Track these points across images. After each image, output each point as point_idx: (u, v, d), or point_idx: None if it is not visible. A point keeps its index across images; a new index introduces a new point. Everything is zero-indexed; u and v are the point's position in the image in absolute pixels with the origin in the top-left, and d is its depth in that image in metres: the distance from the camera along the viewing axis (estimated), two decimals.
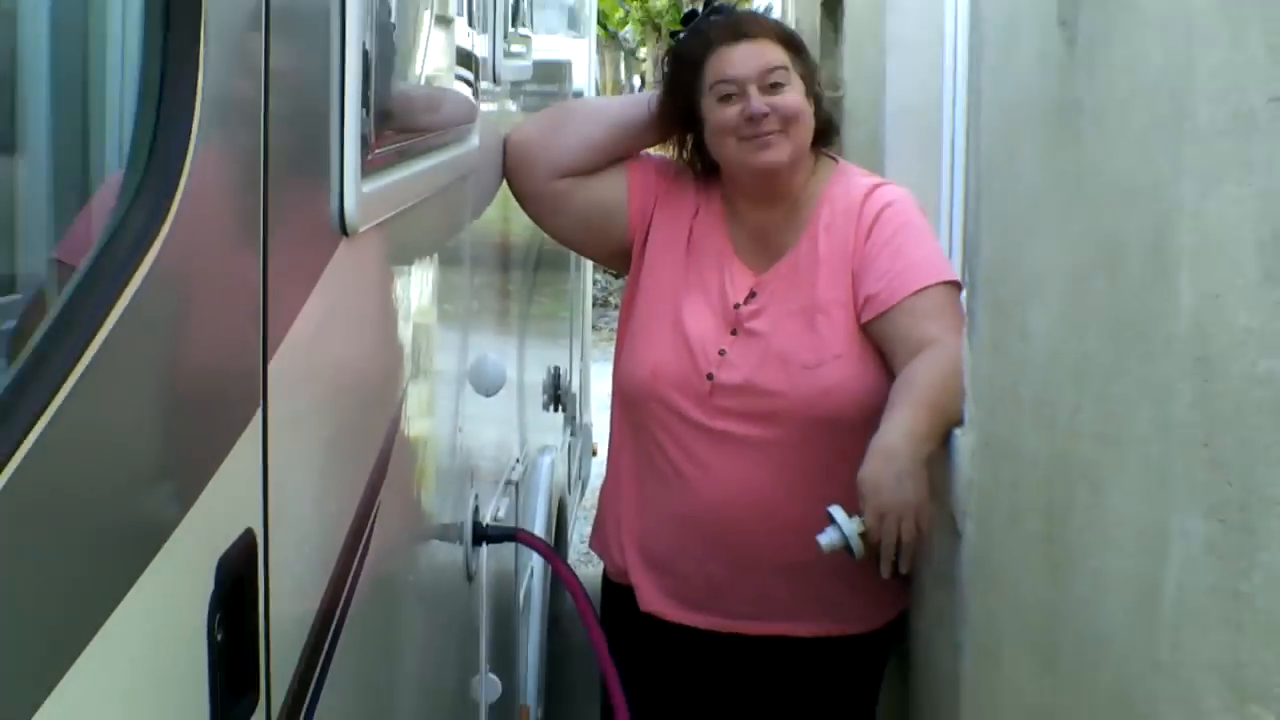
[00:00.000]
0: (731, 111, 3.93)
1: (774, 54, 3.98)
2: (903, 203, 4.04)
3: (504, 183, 4.10)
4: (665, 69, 4.30)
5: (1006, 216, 3.04)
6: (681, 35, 4.31)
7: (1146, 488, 2.15)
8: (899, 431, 3.63)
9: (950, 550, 3.55)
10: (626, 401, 4.13)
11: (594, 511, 4.51)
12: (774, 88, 3.92)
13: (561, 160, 4.06)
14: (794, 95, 3.94)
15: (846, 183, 4.02)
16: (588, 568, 4.29)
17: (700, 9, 4.35)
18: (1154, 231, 2.11)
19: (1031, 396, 2.80)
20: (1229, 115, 1.85)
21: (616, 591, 4.17)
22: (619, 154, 4.10)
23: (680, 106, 4.08)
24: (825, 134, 4.10)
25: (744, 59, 3.97)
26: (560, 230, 4.34)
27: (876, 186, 4.05)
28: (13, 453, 1.28)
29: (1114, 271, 2.29)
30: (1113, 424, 2.31)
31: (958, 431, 3.57)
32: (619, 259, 4.18)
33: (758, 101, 3.90)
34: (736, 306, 3.94)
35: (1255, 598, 1.78)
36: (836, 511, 3.63)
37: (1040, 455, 2.72)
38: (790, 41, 4.09)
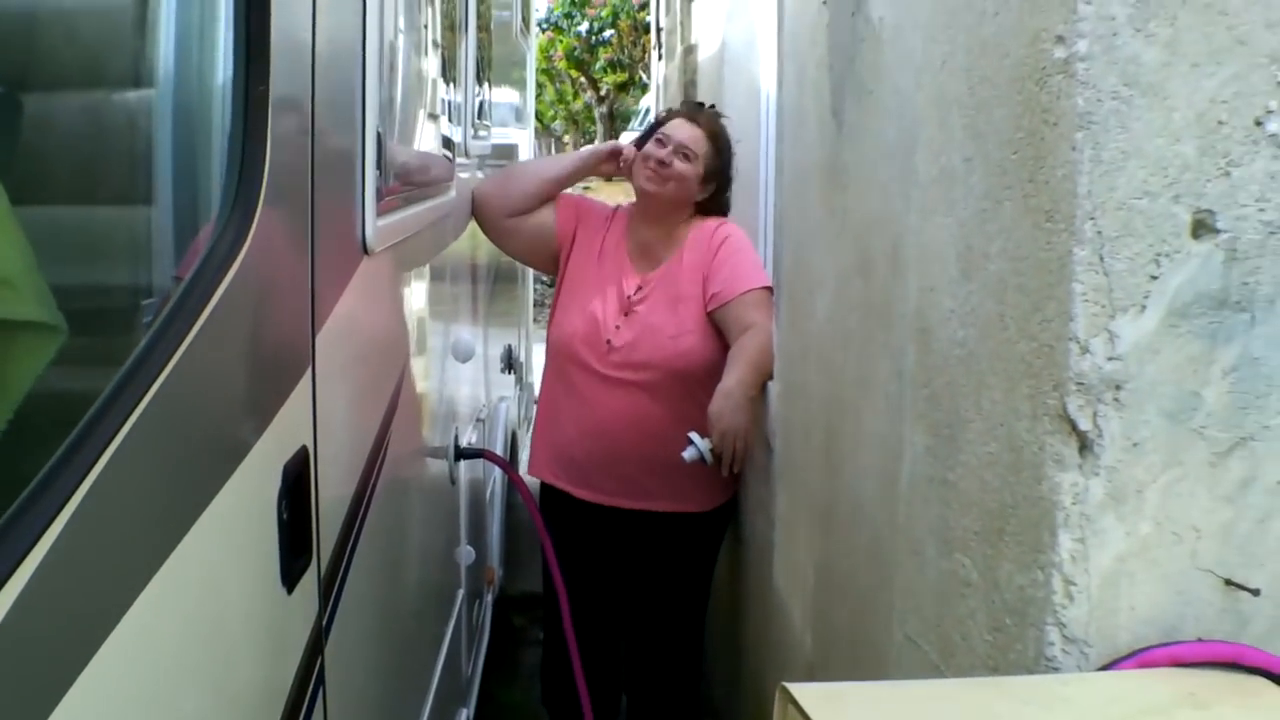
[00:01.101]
0: (653, 148, 3.98)
1: (697, 140, 3.98)
2: (738, 234, 4.06)
3: (473, 221, 4.11)
4: (655, 119, 4.39)
5: (799, 239, 3.07)
6: (684, 106, 4.43)
7: (888, 414, 2.18)
8: (734, 380, 3.67)
9: (765, 458, 3.58)
10: (554, 354, 4.13)
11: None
12: (683, 157, 3.95)
13: (506, 209, 4.07)
14: (690, 167, 3.94)
15: (704, 222, 4.05)
16: (531, 476, 4.29)
17: (698, 103, 4.46)
18: (892, 247, 2.14)
19: (816, 357, 2.82)
20: (938, 171, 1.88)
21: (546, 487, 4.20)
22: (546, 199, 4.11)
23: (644, 137, 4.12)
24: (710, 209, 4.09)
25: (680, 129, 4.00)
26: (512, 250, 4.36)
27: (722, 224, 4.08)
28: (148, 388, 1.30)
29: (867, 274, 2.32)
30: (866, 373, 2.34)
31: (770, 383, 3.61)
32: (552, 265, 4.20)
33: (665, 154, 3.94)
34: (629, 297, 3.96)
35: (956, 484, 1.81)
36: (693, 435, 3.68)
37: (821, 395, 2.75)
38: (716, 140, 4.07)
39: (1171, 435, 1.49)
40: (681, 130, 4.01)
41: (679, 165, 3.94)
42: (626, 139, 4.29)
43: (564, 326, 4.05)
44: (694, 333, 3.90)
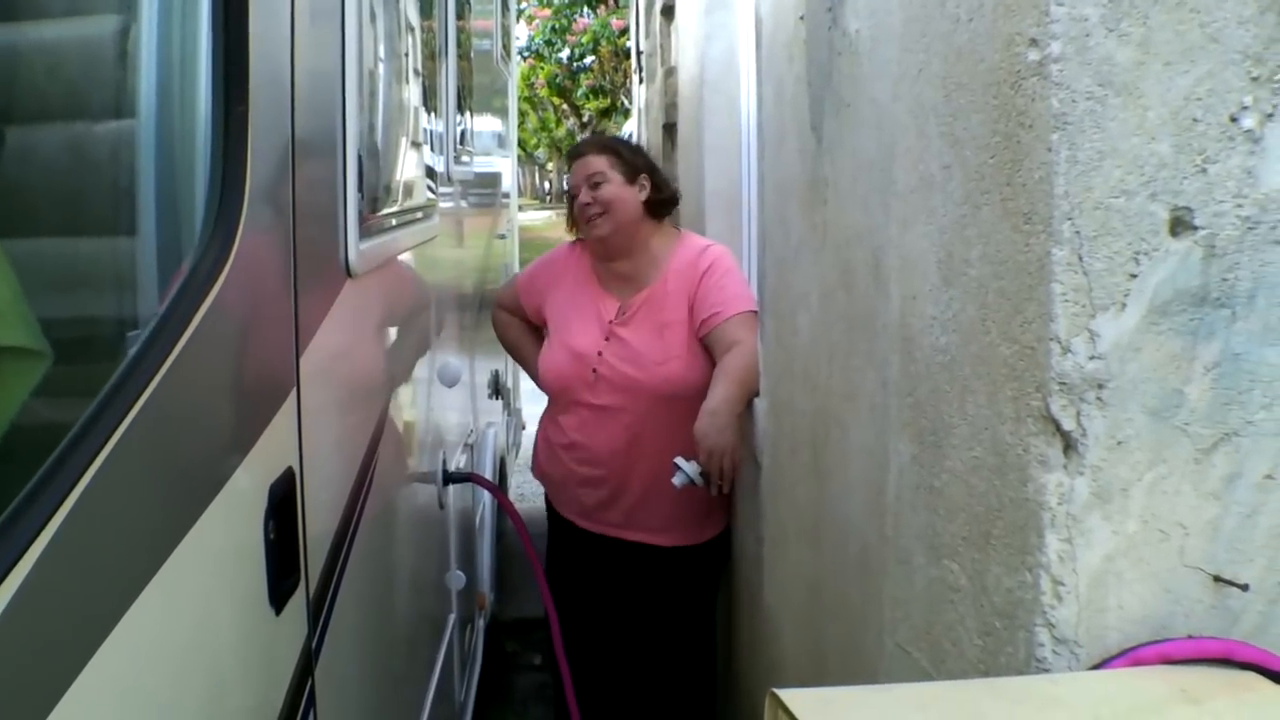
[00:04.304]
0: (575, 205, 4.02)
1: (596, 162, 3.98)
2: (725, 257, 4.07)
3: (459, 242, 4.14)
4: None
5: (781, 256, 3.06)
6: (567, 155, 4.42)
7: (874, 425, 2.17)
8: (719, 398, 3.67)
9: (753, 475, 3.57)
10: (548, 393, 4.18)
11: (524, 465, 4.54)
12: (595, 186, 3.94)
13: None
14: (611, 188, 3.94)
15: (689, 244, 4.05)
16: (521, 502, 4.28)
17: (577, 143, 4.50)
18: (873, 258, 2.13)
19: (801, 372, 2.82)
20: (917, 180, 1.87)
21: (553, 511, 4.25)
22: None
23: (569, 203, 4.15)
24: (660, 206, 4.08)
25: (576, 171, 4.02)
26: None
27: (708, 247, 4.07)
28: (128, 411, 1.30)
29: (849, 286, 2.32)
30: (851, 386, 2.33)
31: (756, 399, 3.61)
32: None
33: (584, 196, 3.96)
34: (609, 322, 3.96)
35: (943, 490, 1.81)
36: (679, 460, 3.69)
37: (807, 409, 2.74)
38: (610, 148, 4.09)
39: (1155, 433, 1.48)
40: (579, 170, 4.03)
41: (600, 192, 3.96)
42: None
43: (548, 364, 4.10)
44: (680, 358, 3.90)
